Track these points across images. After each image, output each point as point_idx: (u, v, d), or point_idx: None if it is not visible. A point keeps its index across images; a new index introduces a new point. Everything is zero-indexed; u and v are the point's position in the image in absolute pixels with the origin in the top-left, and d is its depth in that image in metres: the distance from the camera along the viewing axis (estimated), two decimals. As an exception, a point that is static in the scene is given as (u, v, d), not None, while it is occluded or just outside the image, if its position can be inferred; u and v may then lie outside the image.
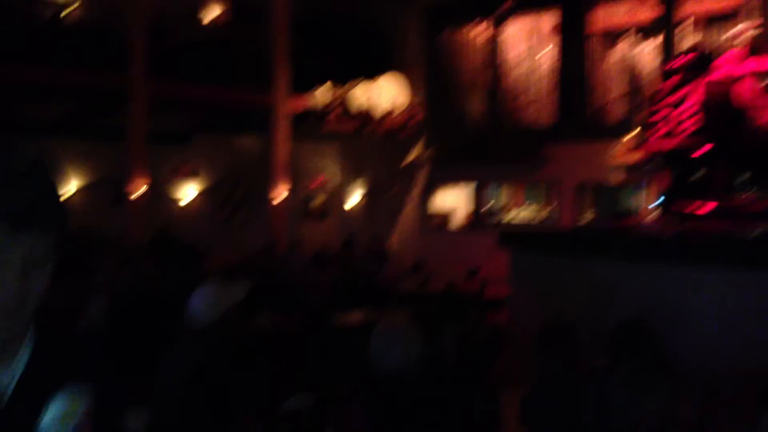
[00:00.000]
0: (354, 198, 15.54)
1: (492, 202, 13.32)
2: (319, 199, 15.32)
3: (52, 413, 1.18)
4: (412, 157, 13.31)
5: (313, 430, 3.32)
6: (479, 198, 13.18)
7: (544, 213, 12.46)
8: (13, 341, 1.18)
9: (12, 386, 1.16)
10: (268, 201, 12.30)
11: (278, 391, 3.82)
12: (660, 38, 10.76)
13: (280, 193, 12.27)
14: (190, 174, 13.68)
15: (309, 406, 3.37)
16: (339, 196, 15.62)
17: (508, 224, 12.56)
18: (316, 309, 6.95)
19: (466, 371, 3.80)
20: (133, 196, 10.82)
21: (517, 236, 7.76)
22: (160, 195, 12.80)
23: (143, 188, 10.85)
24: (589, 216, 11.42)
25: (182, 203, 13.70)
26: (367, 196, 15.44)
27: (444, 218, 13.70)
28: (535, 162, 11.72)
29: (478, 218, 13.12)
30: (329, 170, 15.59)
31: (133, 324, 5.04)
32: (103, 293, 5.76)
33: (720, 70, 5.82)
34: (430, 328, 3.54)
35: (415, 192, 13.75)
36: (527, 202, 13.08)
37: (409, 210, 13.87)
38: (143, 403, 3.47)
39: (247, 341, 5.46)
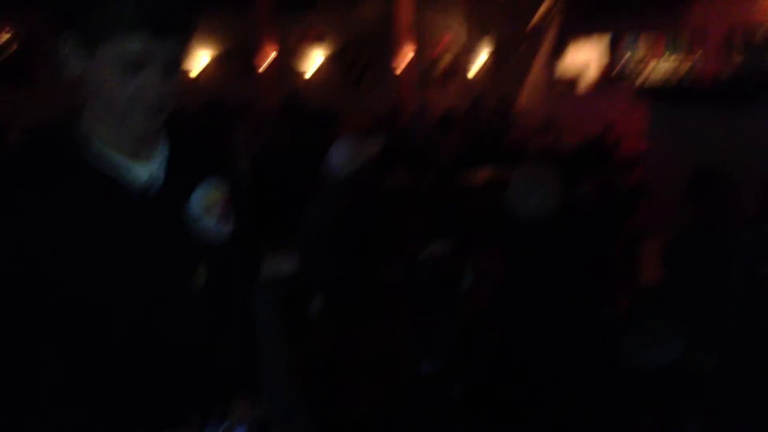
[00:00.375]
0: (480, 58, 15.14)
1: (628, 55, 12.56)
2: (445, 61, 15.03)
3: (197, 202, 1.33)
4: (541, 10, 12.66)
5: (452, 275, 3.42)
6: (614, 52, 12.45)
7: (687, 65, 11.64)
8: (152, 139, 1.31)
9: (159, 179, 1.30)
10: (394, 64, 12.20)
11: (416, 242, 3.94)
12: None
13: (406, 55, 12.11)
14: (317, 40, 13.72)
15: (447, 252, 3.46)
16: (465, 56, 15.25)
17: (646, 79, 11.86)
18: (446, 168, 6.99)
19: (603, 221, 3.75)
20: (263, 65, 11.03)
21: (657, 88, 7.36)
22: (288, 62, 12.98)
23: (272, 56, 11.02)
24: (738, 65, 10.55)
25: (310, 70, 13.86)
26: (494, 56, 14.98)
27: (576, 75, 13.13)
28: (678, 7, 10.81)
29: (612, 74, 12.46)
30: (455, 30, 15.15)
31: (273, 184, 5.28)
32: (243, 157, 6.05)
33: None
34: (568, 177, 3.49)
35: (545, 49, 13.16)
36: (667, 53, 12.24)
37: (538, 68, 13.37)
38: (288, 253, 3.68)
39: (384, 194, 5.60)
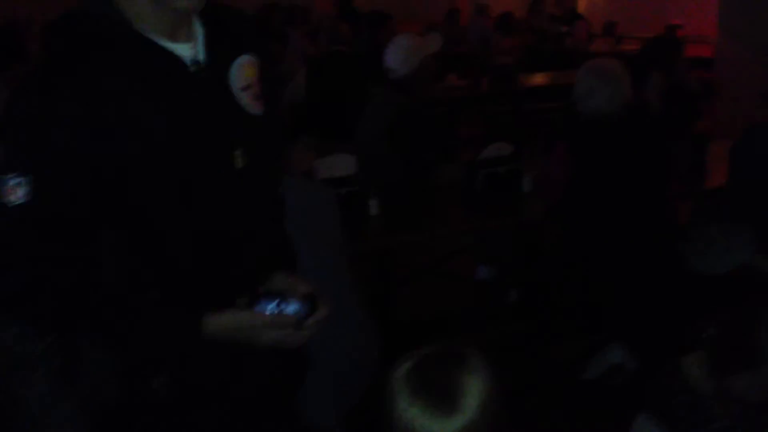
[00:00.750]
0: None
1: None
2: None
3: (233, 78, 1.31)
4: None
5: (510, 176, 3.36)
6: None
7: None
8: (189, 22, 1.29)
9: (202, 56, 1.29)
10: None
11: (474, 144, 3.87)
12: None
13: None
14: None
15: (506, 153, 3.39)
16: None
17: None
18: (503, 72, 6.81)
19: (671, 119, 3.61)
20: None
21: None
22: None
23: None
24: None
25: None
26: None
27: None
28: None
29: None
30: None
31: (332, 84, 5.20)
32: (298, 61, 5.98)
33: None
34: (636, 74, 3.34)
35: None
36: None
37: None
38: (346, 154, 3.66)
39: (441, 96, 5.50)
